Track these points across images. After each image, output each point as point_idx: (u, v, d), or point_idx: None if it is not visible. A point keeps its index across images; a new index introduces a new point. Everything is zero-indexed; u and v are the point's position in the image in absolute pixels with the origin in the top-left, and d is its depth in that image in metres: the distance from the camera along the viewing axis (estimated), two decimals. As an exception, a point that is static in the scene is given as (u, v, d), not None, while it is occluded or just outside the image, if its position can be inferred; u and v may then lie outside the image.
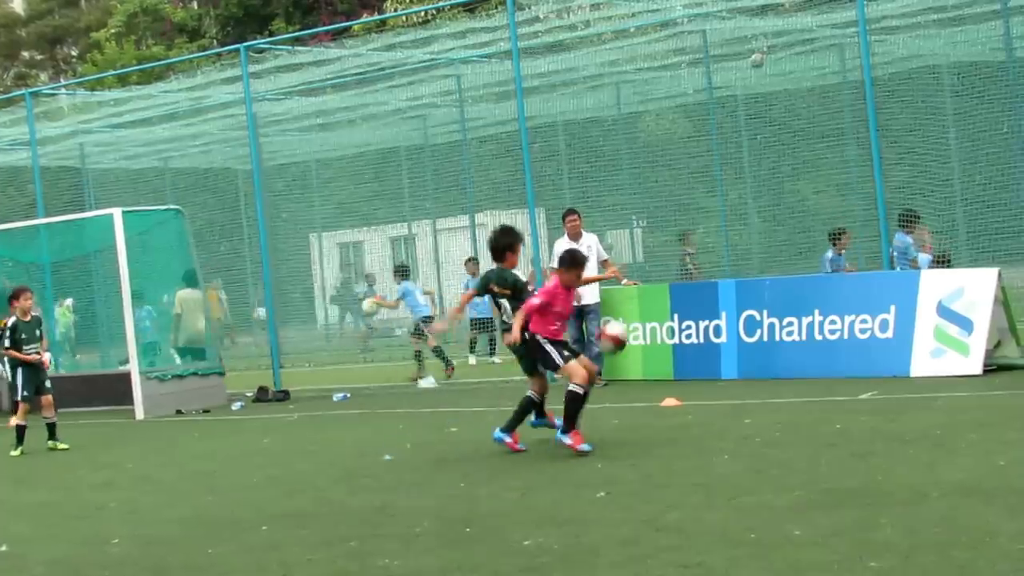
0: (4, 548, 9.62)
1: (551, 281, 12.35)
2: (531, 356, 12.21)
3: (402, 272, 23.16)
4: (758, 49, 24.68)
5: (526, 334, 11.83)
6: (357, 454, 13.25)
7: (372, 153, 32.66)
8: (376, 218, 33.33)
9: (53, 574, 8.68)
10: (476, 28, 23.35)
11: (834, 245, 19.84)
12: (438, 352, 21.80)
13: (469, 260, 26.13)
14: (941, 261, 18.36)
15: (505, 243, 12.68)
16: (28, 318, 15.91)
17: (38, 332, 16.01)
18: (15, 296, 16.07)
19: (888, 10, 21.75)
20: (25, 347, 15.77)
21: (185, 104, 27.88)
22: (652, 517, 8.58)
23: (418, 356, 21.86)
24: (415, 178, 32.15)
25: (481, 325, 24.90)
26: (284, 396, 20.72)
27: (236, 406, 20.02)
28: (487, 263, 29.53)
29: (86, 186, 31.30)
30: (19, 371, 15.81)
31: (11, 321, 15.90)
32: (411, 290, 22.38)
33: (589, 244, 18.26)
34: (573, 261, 12.13)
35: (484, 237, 30.24)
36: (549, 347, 11.90)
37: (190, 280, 21.33)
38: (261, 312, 30.68)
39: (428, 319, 21.96)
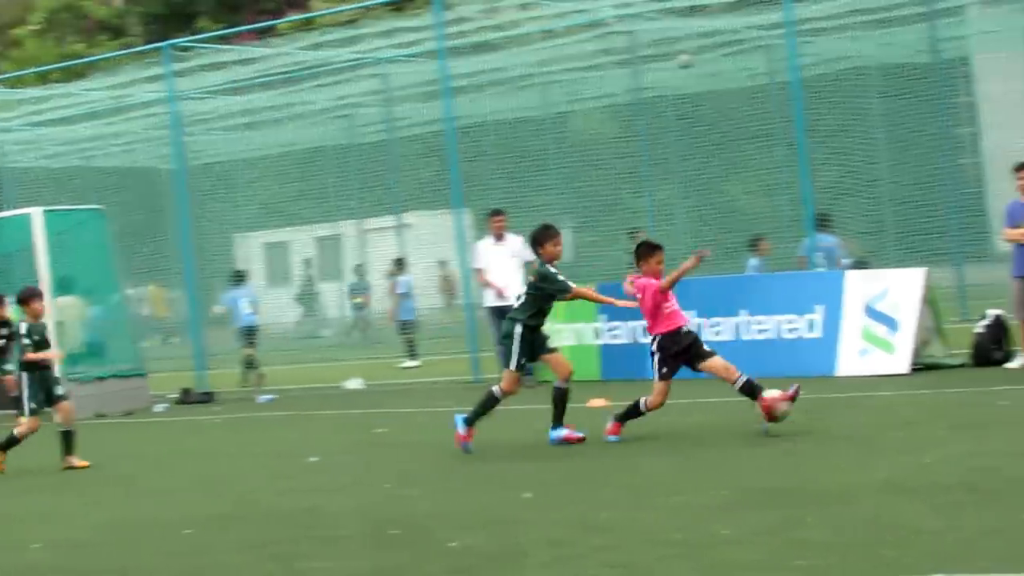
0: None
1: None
2: None
3: (236, 278, 23.02)
4: (686, 50, 24.75)
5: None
6: (282, 456, 13.10)
7: (298, 152, 32.43)
8: (302, 218, 33.09)
9: (-33, 581, 8.48)
10: (403, 27, 23.24)
11: (755, 252, 19.99)
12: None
13: (395, 260, 25.97)
14: (860, 265, 18.52)
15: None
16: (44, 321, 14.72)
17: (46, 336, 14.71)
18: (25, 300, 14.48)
19: (815, 12, 21.89)
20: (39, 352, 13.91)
21: (107, 102, 27.47)
22: (581, 517, 8.52)
23: (250, 363, 21.66)
24: (341, 178, 31.92)
25: (410, 327, 24.70)
26: (208, 398, 20.46)
27: (159, 408, 19.74)
28: (412, 263, 29.09)
29: (4, 185, 30.72)
30: (25, 380, 13.67)
31: (24, 327, 13.95)
32: (236, 298, 22.19)
33: (513, 246, 18.18)
34: (649, 246, 12.02)
35: (411, 237, 30.27)
36: (657, 359, 11.79)
37: (66, 287, 20.59)
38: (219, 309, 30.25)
39: (252, 329, 21.87)
